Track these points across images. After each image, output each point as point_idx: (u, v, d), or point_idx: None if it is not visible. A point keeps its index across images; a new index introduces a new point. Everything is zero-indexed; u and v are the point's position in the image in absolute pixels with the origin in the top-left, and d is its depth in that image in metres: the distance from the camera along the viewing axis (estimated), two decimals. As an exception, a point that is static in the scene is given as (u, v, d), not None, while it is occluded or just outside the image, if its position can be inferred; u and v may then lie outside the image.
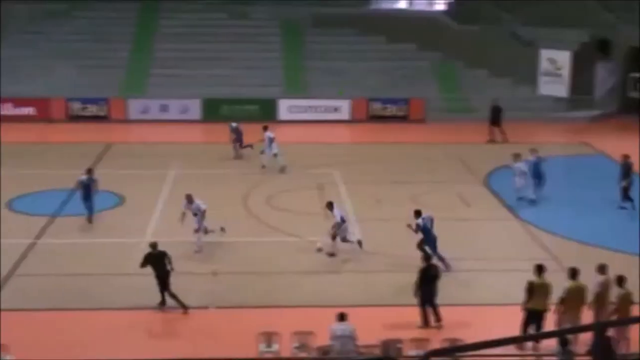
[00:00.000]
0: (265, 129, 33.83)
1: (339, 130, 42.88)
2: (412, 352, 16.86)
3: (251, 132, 35.09)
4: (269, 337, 17.65)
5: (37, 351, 17.26)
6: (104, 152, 36.80)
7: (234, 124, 35.90)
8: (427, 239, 22.90)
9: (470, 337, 15.92)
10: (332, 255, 24.04)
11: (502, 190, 30.57)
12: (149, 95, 44.98)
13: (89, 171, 27.20)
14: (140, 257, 21.05)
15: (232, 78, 46.05)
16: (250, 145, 35.10)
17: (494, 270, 23.51)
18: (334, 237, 23.97)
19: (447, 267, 22.60)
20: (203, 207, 24.45)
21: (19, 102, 43.64)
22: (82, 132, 41.12)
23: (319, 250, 24.21)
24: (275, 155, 33.21)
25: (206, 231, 24.56)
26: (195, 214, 24.39)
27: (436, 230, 23.05)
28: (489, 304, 21.39)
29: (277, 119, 43.81)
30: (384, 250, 24.44)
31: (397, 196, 29.81)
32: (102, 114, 44.08)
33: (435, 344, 16.50)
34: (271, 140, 33.25)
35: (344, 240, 24.19)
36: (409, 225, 23.06)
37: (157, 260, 20.71)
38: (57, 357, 16.38)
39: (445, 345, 15.50)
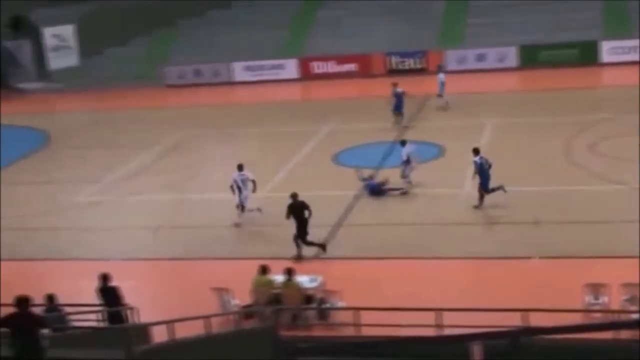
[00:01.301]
0: (439, 69, 36.75)
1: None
2: None
3: (571, 76, 33.78)
4: (596, 289, 17.04)
5: (367, 299, 17.94)
6: (423, 104, 37.32)
7: (399, 89, 33.35)
8: (482, 177, 23.67)
9: None
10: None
11: None
12: (465, 45, 44.86)
13: (371, 178, 26.54)
14: (463, 207, 21.12)
15: (550, 22, 44.60)
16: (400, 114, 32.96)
17: None
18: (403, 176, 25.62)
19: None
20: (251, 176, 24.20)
21: (341, 59, 45.40)
22: (401, 86, 41.85)
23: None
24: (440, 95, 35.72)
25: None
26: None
27: None
28: None
29: (599, 61, 41.94)
30: None
31: None
32: (419, 66, 44.67)
33: None
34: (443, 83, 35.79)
35: (403, 176, 25.62)
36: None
37: (298, 210, 21.31)
38: (389, 305, 16.87)
39: None
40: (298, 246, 21.41)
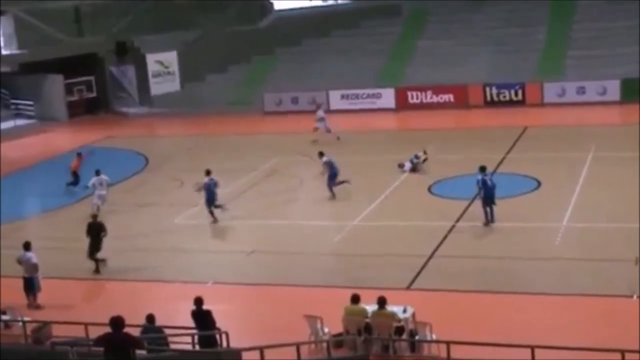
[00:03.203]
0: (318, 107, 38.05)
1: None
2: None
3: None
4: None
5: (459, 332, 17.72)
6: (520, 136, 36.87)
7: (325, 158, 29.91)
8: (485, 194, 25.08)
9: None
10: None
11: None
12: (565, 78, 44.18)
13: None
14: (558, 241, 20.69)
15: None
16: (345, 181, 29.71)
17: None
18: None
19: (488, 222, 25.06)
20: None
21: (437, 89, 45.23)
22: (498, 117, 41.59)
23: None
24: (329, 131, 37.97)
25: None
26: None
27: None
28: None
29: None
30: None
31: None
32: (517, 98, 44.15)
33: None
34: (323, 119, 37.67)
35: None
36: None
37: (94, 230, 23.75)
38: (482, 339, 16.60)
39: None
40: (97, 262, 23.75)
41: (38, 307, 21.40)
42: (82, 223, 24.95)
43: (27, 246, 21.96)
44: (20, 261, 21.80)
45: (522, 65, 45.74)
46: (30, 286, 21.68)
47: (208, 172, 27.98)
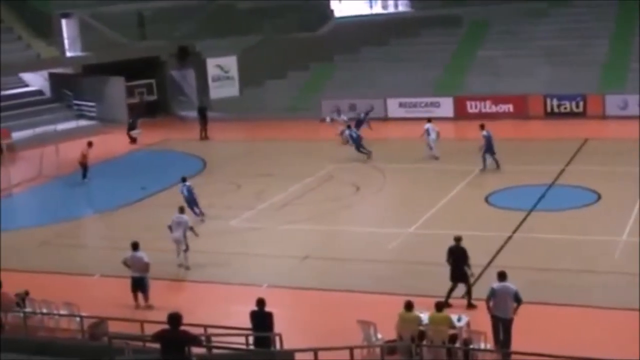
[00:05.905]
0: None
1: None
2: None
3: None
4: None
5: (514, 343, 17.50)
6: (580, 148, 36.39)
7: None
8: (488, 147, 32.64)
9: None
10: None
11: None
12: (627, 91, 43.46)
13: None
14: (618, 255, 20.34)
15: None
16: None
17: None
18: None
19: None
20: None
21: (497, 99, 44.84)
22: (557, 128, 41.09)
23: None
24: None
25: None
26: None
27: None
28: None
29: None
30: None
31: None
32: (578, 110, 43.56)
33: None
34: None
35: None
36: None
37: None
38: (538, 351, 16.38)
39: None
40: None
41: (150, 307, 21.28)
42: (139, 223, 25.12)
43: (135, 246, 21.81)
44: (127, 262, 21.73)
45: (583, 76, 45.14)
46: (141, 286, 21.61)
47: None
